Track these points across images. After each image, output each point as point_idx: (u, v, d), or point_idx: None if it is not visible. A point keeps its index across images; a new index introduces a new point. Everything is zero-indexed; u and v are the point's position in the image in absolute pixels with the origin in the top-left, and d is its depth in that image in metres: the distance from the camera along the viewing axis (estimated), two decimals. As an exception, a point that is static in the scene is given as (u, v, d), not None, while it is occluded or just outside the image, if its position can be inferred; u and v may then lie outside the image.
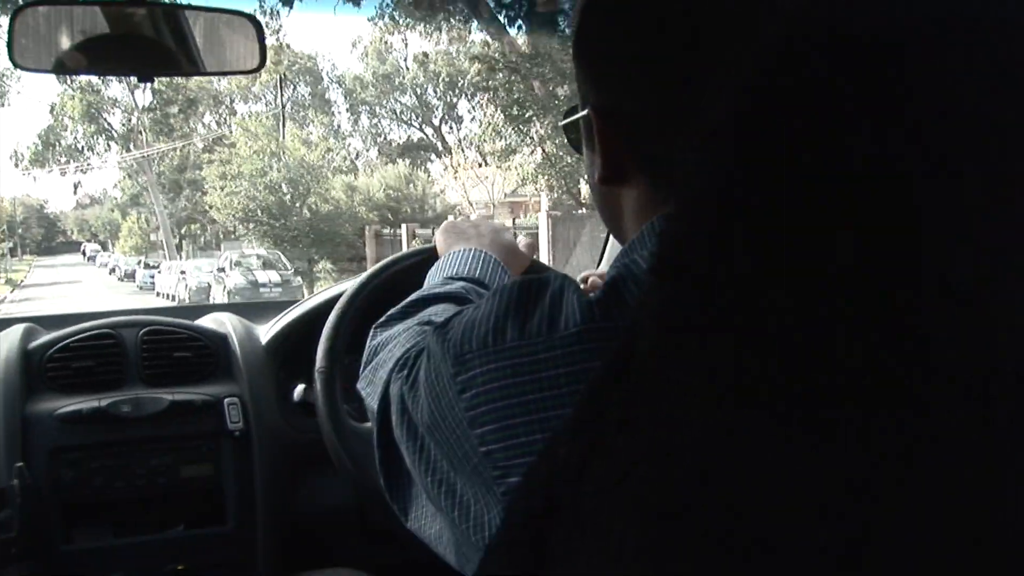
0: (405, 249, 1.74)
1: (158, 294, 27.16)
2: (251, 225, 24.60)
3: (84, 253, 55.82)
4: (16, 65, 1.42)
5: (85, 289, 31.98)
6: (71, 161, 37.20)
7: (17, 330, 1.70)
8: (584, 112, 0.83)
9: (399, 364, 0.89)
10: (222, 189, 25.03)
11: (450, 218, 1.40)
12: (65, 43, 1.47)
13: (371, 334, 1.07)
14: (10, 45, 1.39)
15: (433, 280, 1.17)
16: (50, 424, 1.57)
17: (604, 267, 1.79)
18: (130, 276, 35.67)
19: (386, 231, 23.09)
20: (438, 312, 1.05)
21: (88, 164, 38.47)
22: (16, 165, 39.94)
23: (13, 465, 1.48)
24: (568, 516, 0.43)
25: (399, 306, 1.07)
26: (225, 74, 1.94)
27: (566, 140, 1.00)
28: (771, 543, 0.35)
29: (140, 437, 1.62)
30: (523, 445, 0.70)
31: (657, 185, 0.80)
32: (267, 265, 22.33)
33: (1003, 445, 0.34)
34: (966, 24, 0.37)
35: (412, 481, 0.89)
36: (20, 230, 50.54)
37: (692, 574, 0.36)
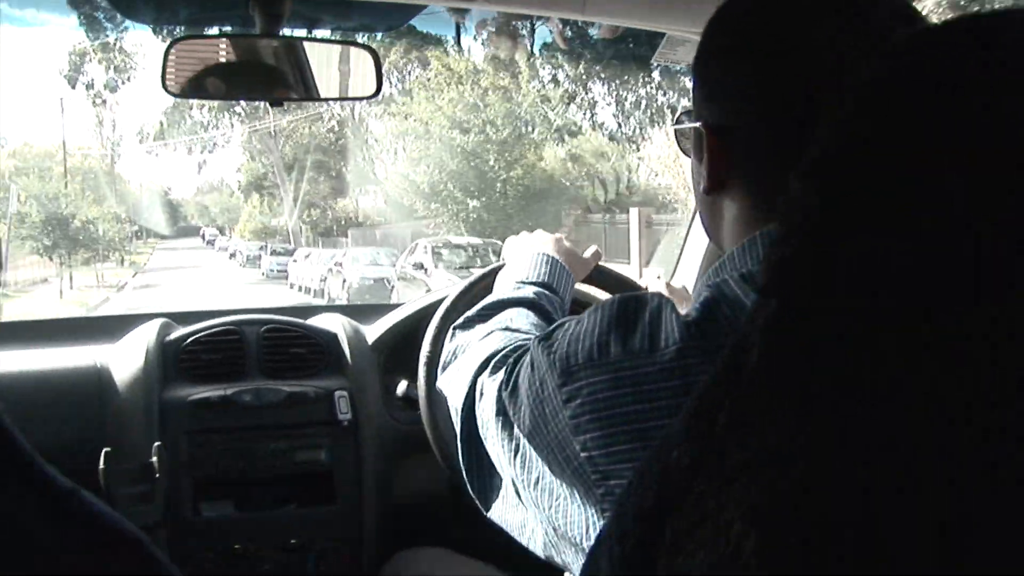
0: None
1: (292, 285, 24.75)
2: (434, 205, 20.61)
3: (203, 237, 56.10)
4: (167, 92, 1.62)
5: (206, 276, 31.11)
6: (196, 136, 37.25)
7: (155, 325, 1.89)
8: (696, 124, 0.90)
9: (485, 364, 0.97)
10: (395, 154, 23.53)
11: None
12: (208, 72, 1.67)
13: (449, 334, 1.16)
14: (163, 75, 1.59)
15: (504, 284, 1.28)
16: (184, 409, 1.76)
17: (682, 270, 1.93)
18: (252, 262, 34.23)
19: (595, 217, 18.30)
20: (513, 317, 1.13)
21: (213, 142, 38.72)
22: (140, 142, 39.99)
23: (153, 444, 1.65)
24: (682, 512, 0.46)
25: (475, 309, 1.18)
26: (346, 99, 2.09)
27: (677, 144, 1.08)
28: (875, 539, 0.37)
29: (260, 424, 1.79)
30: (623, 452, 0.76)
31: (756, 202, 0.86)
32: (478, 257, 16.62)
33: None
34: None
35: (494, 473, 0.97)
36: (145, 215, 51.28)
37: (801, 567, 0.39)
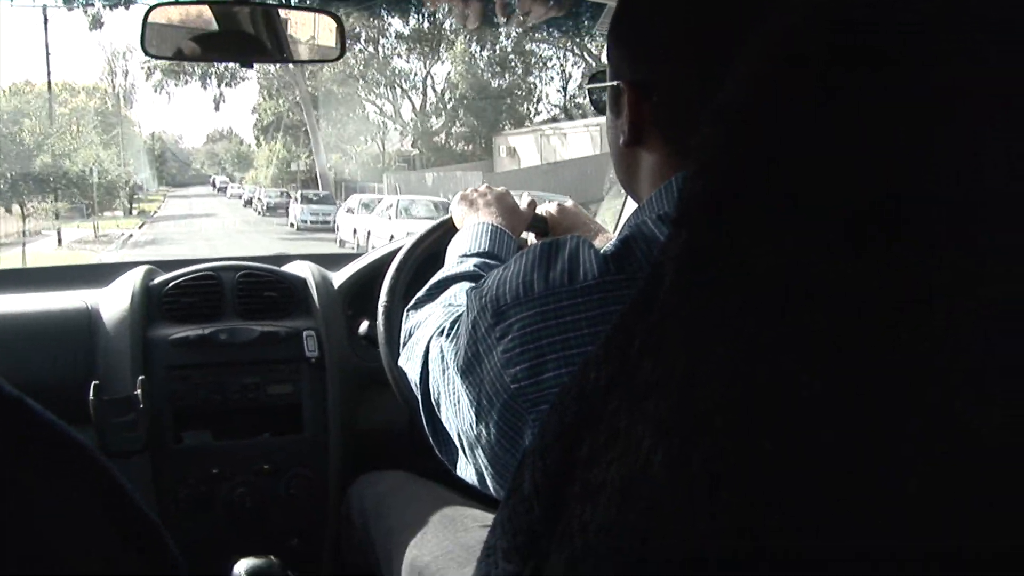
0: None
1: (342, 242, 21.28)
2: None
3: (214, 184, 55.11)
4: (146, 53, 1.80)
5: (224, 226, 29.28)
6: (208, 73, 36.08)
7: (140, 271, 2.07)
8: (615, 83, 0.96)
9: (433, 335, 1.04)
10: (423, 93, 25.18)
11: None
12: (183, 35, 1.83)
13: (404, 316, 1.25)
14: (142, 36, 1.75)
15: (450, 259, 1.37)
16: (165, 346, 1.94)
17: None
18: (272, 210, 32.30)
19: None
20: (456, 292, 1.20)
21: (230, 74, 37.05)
22: (147, 77, 38.14)
23: (137, 378, 1.83)
24: (597, 427, 0.48)
25: (424, 289, 1.26)
26: (312, 62, 2.20)
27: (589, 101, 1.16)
28: (771, 451, 0.39)
29: (235, 360, 1.97)
30: (551, 378, 0.82)
31: (673, 151, 0.92)
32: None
33: None
34: (956, 25, 0.41)
35: (450, 437, 1.02)
36: (157, 164, 50.31)
37: (705, 479, 0.41)
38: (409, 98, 37.31)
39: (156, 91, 40.22)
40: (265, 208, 33.71)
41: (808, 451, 0.39)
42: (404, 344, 1.20)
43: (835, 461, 0.38)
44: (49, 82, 34.93)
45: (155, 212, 39.48)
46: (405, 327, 1.22)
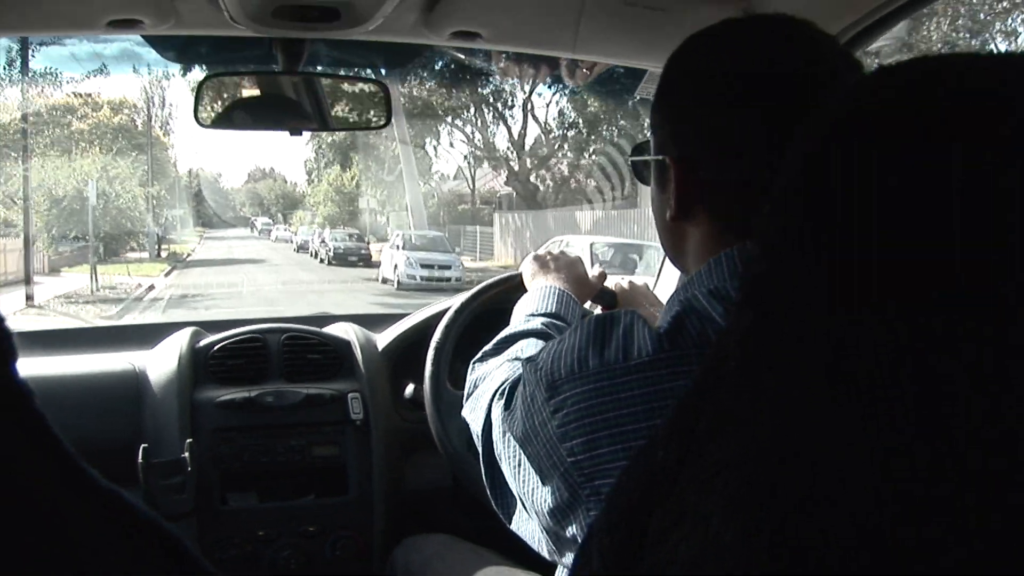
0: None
1: None
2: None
3: (254, 226, 52.89)
4: (199, 124, 1.91)
5: (279, 277, 23.76)
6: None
7: (187, 332, 2.18)
8: (660, 157, 1.00)
9: (497, 393, 1.08)
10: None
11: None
12: (235, 105, 1.96)
13: (471, 368, 1.32)
14: (195, 109, 1.88)
15: (516, 317, 1.44)
16: (212, 409, 2.04)
17: (660, 287, 2.14)
18: (341, 258, 27.47)
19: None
20: (523, 347, 1.27)
21: None
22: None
23: (185, 441, 1.92)
24: (666, 505, 0.50)
25: (492, 343, 1.33)
26: (360, 129, 2.35)
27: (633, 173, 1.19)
28: (843, 529, 0.41)
29: (281, 423, 2.07)
30: (606, 454, 0.86)
31: (720, 227, 0.96)
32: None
33: None
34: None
35: (508, 491, 1.07)
36: (194, 203, 47.12)
37: (776, 557, 0.42)
38: (505, 124, 30.86)
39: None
40: (332, 255, 28.22)
41: (870, 527, 0.41)
42: (468, 395, 1.26)
43: (895, 540, 0.40)
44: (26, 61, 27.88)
45: (188, 255, 34.47)
46: (470, 378, 1.28)
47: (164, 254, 32.87)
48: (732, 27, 1.00)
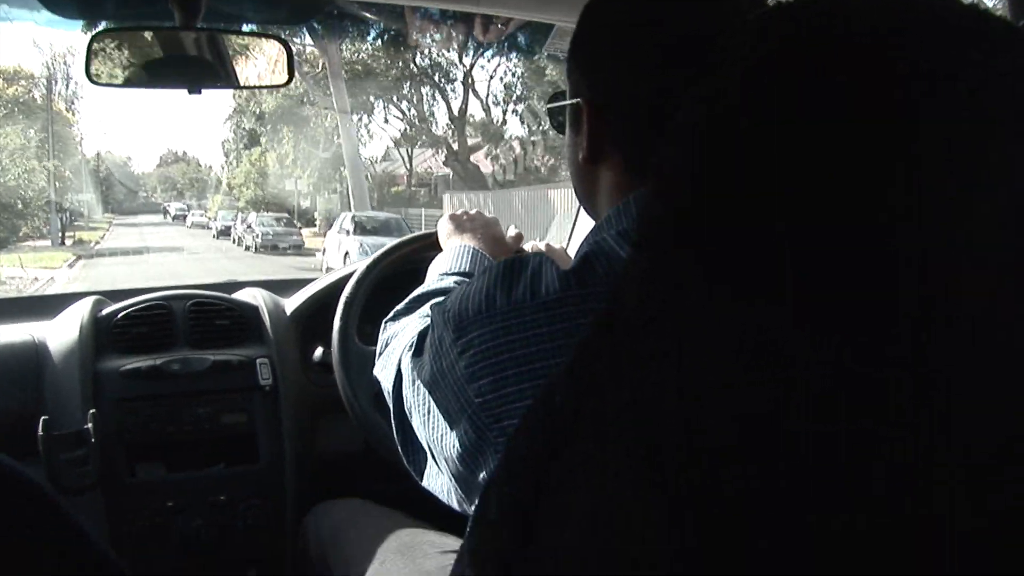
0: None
1: None
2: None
3: (167, 211, 51.67)
4: (91, 81, 1.86)
5: (203, 267, 22.31)
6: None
7: (88, 301, 2.13)
8: (574, 100, 1.02)
9: (407, 346, 1.08)
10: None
11: (449, 210, 1.76)
12: (129, 63, 1.91)
13: (382, 328, 1.32)
14: (87, 65, 1.83)
15: (430, 276, 1.45)
16: (116, 378, 2.00)
17: (575, 242, 2.15)
18: (270, 245, 25.82)
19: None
20: (432, 306, 1.26)
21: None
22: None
23: (88, 412, 1.88)
24: (565, 453, 0.50)
25: (403, 303, 1.34)
26: (261, 88, 2.32)
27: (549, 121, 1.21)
28: (741, 472, 0.42)
29: (187, 390, 2.04)
30: (513, 393, 0.87)
31: (631, 169, 0.98)
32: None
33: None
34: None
35: (419, 447, 1.08)
36: (103, 188, 46.34)
37: (675, 502, 0.43)
38: (444, 98, 29.29)
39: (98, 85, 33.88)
40: (260, 242, 26.98)
41: (768, 473, 0.41)
42: (380, 354, 1.27)
43: (793, 486, 0.41)
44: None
45: (96, 243, 32.24)
46: (382, 338, 1.29)
47: (69, 242, 30.71)
48: None
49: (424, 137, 30.55)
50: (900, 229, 0.41)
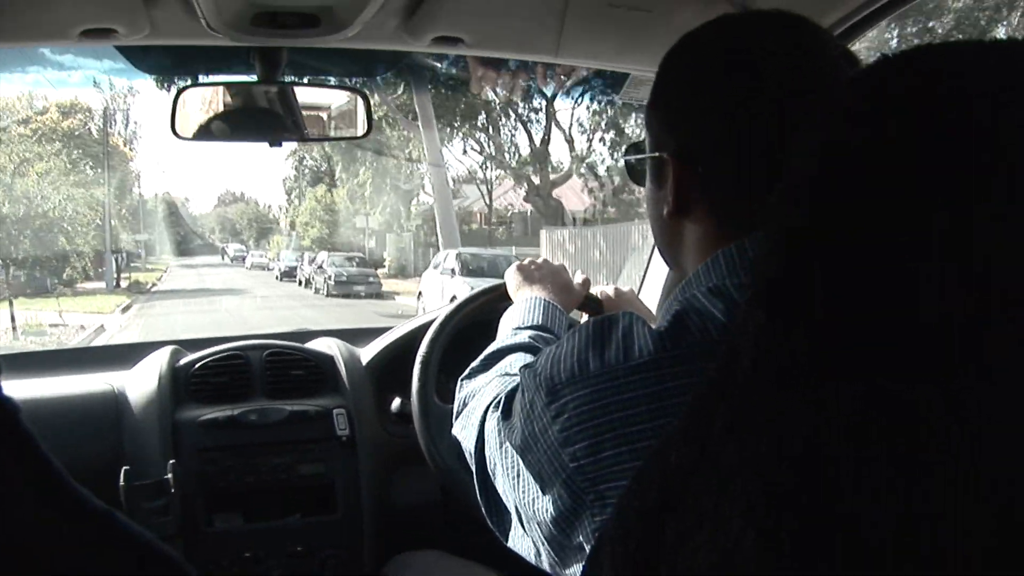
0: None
1: None
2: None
3: (225, 252, 52.12)
4: (176, 136, 1.93)
5: (274, 315, 20.26)
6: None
7: (166, 351, 2.19)
8: (657, 154, 1.02)
9: (491, 406, 1.09)
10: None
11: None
12: (213, 117, 1.98)
13: (459, 386, 1.34)
14: (172, 120, 1.91)
15: (503, 331, 1.47)
16: (194, 428, 2.05)
17: (648, 286, 2.19)
18: (343, 285, 24.43)
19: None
20: (512, 362, 1.30)
21: None
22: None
23: (168, 462, 1.93)
24: (681, 511, 0.51)
25: (479, 359, 1.36)
26: (341, 140, 2.38)
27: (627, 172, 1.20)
28: (863, 535, 0.43)
29: (265, 441, 2.08)
30: (610, 457, 0.87)
31: (718, 223, 0.98)
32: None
33: None
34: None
35: (504, 508, 1.09)
36: (161, 229, 46.39)
37: (796, 562, 0.43)
38: (527, 130, 26.61)
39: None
40: (333, 284, 25.25)
41: (889, 523, 0.42)
42: (458, 414, 1.28)
43: (911, 537, 0.42)
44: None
45: (153, 284, 31.24)
46: (459, 396, 1.30)
47: (125, 283, 29.56)
48: (729, 23, 1.03)
49: (509, 170, 28.58)
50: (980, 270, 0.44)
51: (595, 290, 1.74)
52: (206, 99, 2.02)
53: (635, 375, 0.87)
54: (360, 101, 2.03)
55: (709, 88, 0.98)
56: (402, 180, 30.74)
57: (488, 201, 31.63)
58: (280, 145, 2.01)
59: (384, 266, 30.37)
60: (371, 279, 25.98)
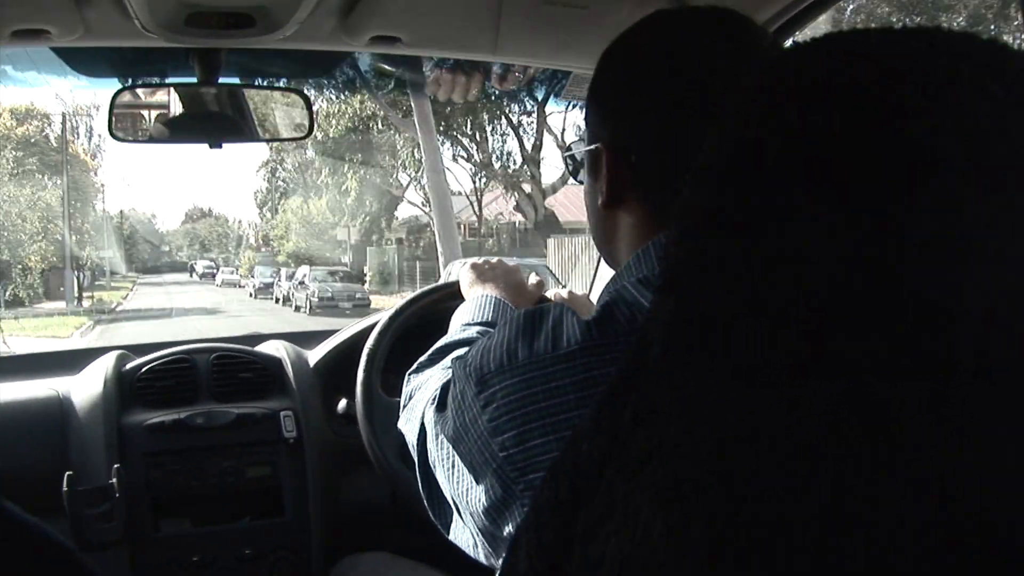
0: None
1: None
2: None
3: (193, 269, 50.88)
4: (114, 138, 1.95)
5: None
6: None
7: (112, 356, 2.20)
8: (593, 146, 1.04)
9: (431, 399, 1.09)
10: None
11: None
12: (152, 118, 2.01)
13: (406, 380, 1.35)
14: (109, 122, 1.93)
15: (455, 326, 1.48)
16: (140, 433, 2.06)
17: (597, 288, 2.17)
18: (329, 305, 23.51)
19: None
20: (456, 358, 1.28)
21: None
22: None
23: (113, 467, 1.94)
24: (593, 501, 0.51)
25: (427, 355, 1.36)
26: (282, 140, 2.42)
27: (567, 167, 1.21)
28: (771, 518, 0.43)
29: (212, 444, 2.09)
30: (539, 446, 0.88)
31: (651, 213, 0.99)
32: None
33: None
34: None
35: (444, 500, 1.09)
36: (127, 246, 45.03)
37: (705, 548, 0.43)
38: (518, 136, 26.00)
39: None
40: (317, 301, 24.48)
41: (802, 512, 0.42)
42: (404, 407, 1.29)
43: (827, 525, 0.42)
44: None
45: (118, 304, 29.82)
46: (405, 391, 1.31)
47: (87, 302, 28.00)
48: (664, 19, 1.05)
49: (500, 178, 27.26)
50: (918, 264, 0.43)
51: (550, 293, 1.75)
52: (145, 101, 2.05)
53: (562, 364, 0.89)
54: (302, 102, 2.06)
55: (642, 82, 1.00)
56: (393, 186, 29.29)
57: (478, 210, 30.75)
58: (220, 146, 2.01)
59: (365, 280, 29.35)
60: (358, 295, 25.36)
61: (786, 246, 0.45)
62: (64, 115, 28.24)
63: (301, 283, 26.66)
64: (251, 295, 32.75)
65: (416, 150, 24.51)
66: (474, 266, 1.69)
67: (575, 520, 0.52)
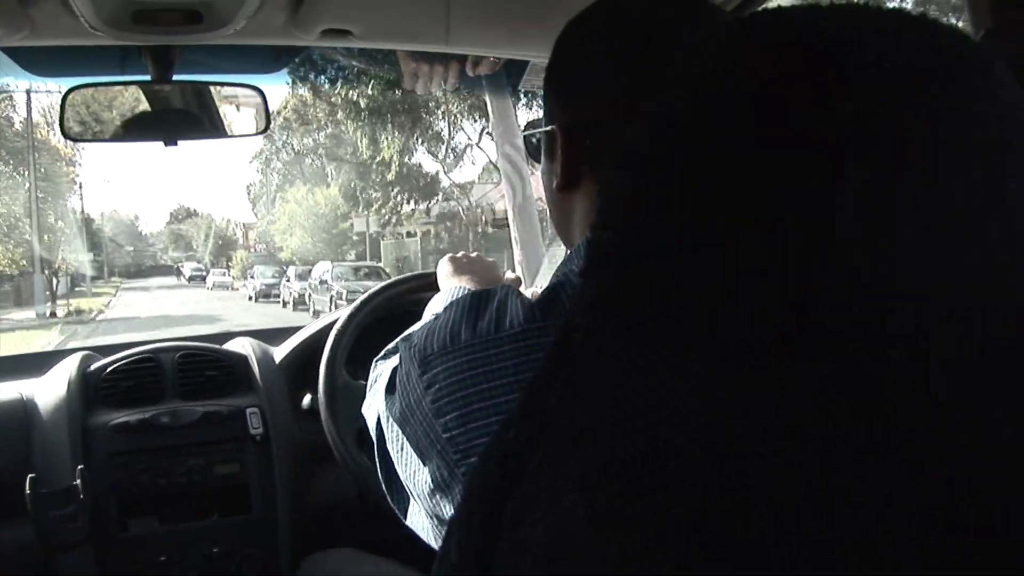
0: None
1: None
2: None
3: (181, 272, 49.94)
4: (66, 136, 1.98)
5: None
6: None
7: (76, 357, 2.23)
8: (549, 128, 1.05)
9: (385, 384, 1.11)
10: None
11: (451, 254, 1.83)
12: (105, 117, 2.04)
13: (372, 366, 1.37)
14: (61, 121, 1.96)
15: (427, 316, 1.48)
16: (105, 433, 2.10)
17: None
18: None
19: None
20: None
21: None
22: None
23: (77, 468, 1.98)
24: (521, 488, 0.51)
25: (395, 342, 1.37)
26: (238, 136, 2.44)
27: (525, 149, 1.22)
28: (696, 498, 0.43)
29: (178, 443, 2.14)
30: (480, 428, 0.90)
31: None
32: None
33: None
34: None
35: (402, 485, 1.10)
36: (108, 249, 45.21)
37: (628, 531, 0.44)
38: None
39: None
40: (346, 304, 15.66)
41: (730, 492, 0.43)
42: (368, 390, 1.32)
43: (759, 503, 0.42)
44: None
45: (99, 312, 27.42)
46: (371, 376, 1.33)
47: (61, 311, 25.71)
48: (619, 2, 1.07)
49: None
50: (849, 238, 0.44)
51: (528, 292, 1.84)
52: (98, 99, 2.09)
53: (504, 345, 0.91)
54: (258, 97, 2.11)
55: (597, 62, 1.02)
56: (445, 160, 26.29)
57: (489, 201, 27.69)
58: (175, 144, 2.05)
59: (381, 275, 25.87)
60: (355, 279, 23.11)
61: (703, 232, 0.46)
62: (28, 92, 25.93)
63: (322, 282, 24.33)
64: (251, 298, 30.71)
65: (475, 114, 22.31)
66: (452, 259, 1.72)
67: (504, 507, 0.52)
